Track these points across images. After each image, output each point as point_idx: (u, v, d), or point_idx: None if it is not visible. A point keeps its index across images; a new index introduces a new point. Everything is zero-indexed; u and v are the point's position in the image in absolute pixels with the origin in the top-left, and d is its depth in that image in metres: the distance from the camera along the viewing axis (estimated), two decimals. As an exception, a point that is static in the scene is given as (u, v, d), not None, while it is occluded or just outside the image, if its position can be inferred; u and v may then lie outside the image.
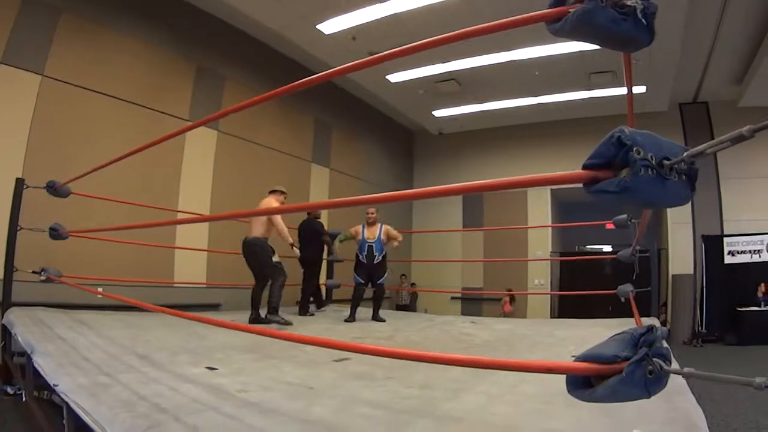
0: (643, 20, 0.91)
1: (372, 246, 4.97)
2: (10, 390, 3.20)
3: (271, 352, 2.89)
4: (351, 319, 4.85)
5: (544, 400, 1.74)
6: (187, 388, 1.93)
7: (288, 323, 4.20)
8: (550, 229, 8.89)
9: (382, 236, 5.01)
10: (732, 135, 0.77)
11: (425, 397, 1.88)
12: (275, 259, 4.41)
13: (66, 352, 2.41)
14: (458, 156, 9.99)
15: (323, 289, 5.99)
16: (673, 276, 8.35)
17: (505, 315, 8.02)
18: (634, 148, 0.78)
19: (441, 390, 1.98)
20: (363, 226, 5.07)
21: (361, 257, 5.00)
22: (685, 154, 0.82)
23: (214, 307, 5.53)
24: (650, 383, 0.80)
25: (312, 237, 5.33)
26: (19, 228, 3.64)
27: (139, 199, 4.63)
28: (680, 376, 0.82)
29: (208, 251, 5.74)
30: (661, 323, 8.56)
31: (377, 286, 5.04)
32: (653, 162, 0.79)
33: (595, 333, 3.80)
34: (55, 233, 3.50)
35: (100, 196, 4.02)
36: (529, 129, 9.35)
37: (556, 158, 8.75)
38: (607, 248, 10.89)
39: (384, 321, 4.89)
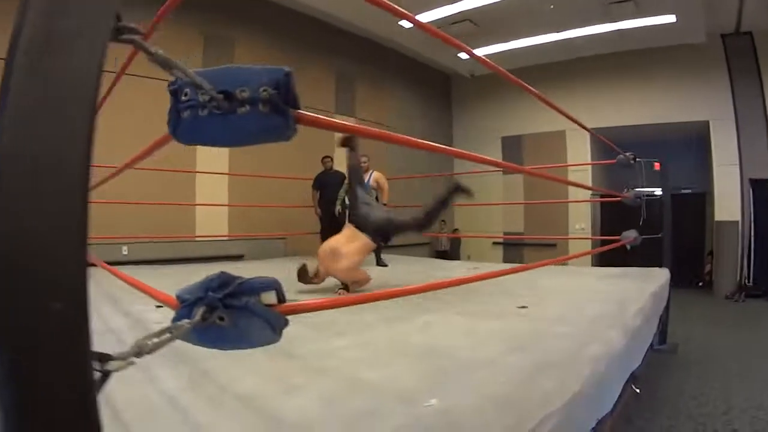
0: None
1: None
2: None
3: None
4: None
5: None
6: (115, 320, 2.22)
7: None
8: (590, 171, 8.37)
9: (372, 182, 5.20)
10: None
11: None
12: None
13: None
14: (494, 98, 9.58)
15: None
16: (716, 223, 7.60)
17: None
18: (181, 94, 0.77)
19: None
20: None
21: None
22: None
23: (237, 258, 5.95)
24: (210, 331, 0.75)
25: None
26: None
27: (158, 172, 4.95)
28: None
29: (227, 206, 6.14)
30: (705, 274, 7.96)
31: None
32: (206, 98, 0.76)
33: (579, 285, 3.66)
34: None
35: (106, 164, 4.39)
36: (561, 67, 8.80)
37: (589, 96, 8.39)
38: (658, 191, 10.04)
39: (387, 266, 5.05)
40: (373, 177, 5.28)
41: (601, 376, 1.60)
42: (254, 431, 1.08)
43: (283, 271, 4.50)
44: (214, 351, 1.64)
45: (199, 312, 0.76)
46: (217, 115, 0.78)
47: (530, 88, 2.40)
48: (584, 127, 3.28)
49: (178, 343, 1.67)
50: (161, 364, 1.55)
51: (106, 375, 0.58)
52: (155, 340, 0.68)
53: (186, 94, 0.78)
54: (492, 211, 9.37)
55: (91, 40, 0.50)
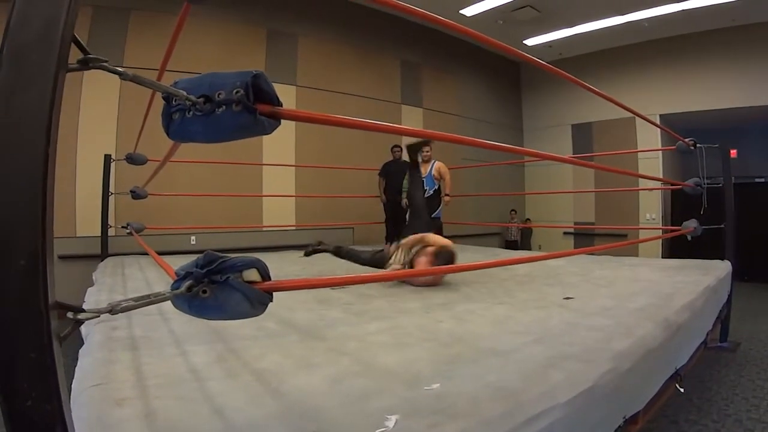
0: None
1: (423, 181, 5.17)
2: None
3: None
4: None
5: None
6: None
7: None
8: (660, 158, 7.85)
9: (434, 172, 5.22)
10: None
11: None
12: None
13: (114, 283, 3.08)
14: (564, 85, 9.18)
15: None
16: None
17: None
18: (171, 99, 0.87)
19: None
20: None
21: None
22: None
23: (304, 247, 6.16)
24: (195, 301, 0.85)
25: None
26: (110, 193, 4.55)
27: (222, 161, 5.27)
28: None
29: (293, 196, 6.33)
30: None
31: (432, 220, 5.21)
32: (190, 102, 0.85)
33: (633, 276, 3.48)
34: (135, 194, 4.25)
35: (178, 159, 4.76)
36: (629, 51, 8.37)
37: (662, 81, 7.94)
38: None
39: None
40: (435, 167, 5.31)
41: (626, 371, 1.54)
42: (256, 401, 1.17)
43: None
44: (249, 332, 1.80)
45: (185, 284, 0.86)
46: (200, 116, 0.88)
47: (574, 78, 2.31)
48: (633, 112, 3.11)
49: (217, 325, 1.83)
50: (197, 342, 1.71)
51: (78, 322, 0.71)
52: (131, 302, 0.80)
53: (175, 99, 0.89)
54: (563, 201, 9.07)
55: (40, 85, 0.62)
